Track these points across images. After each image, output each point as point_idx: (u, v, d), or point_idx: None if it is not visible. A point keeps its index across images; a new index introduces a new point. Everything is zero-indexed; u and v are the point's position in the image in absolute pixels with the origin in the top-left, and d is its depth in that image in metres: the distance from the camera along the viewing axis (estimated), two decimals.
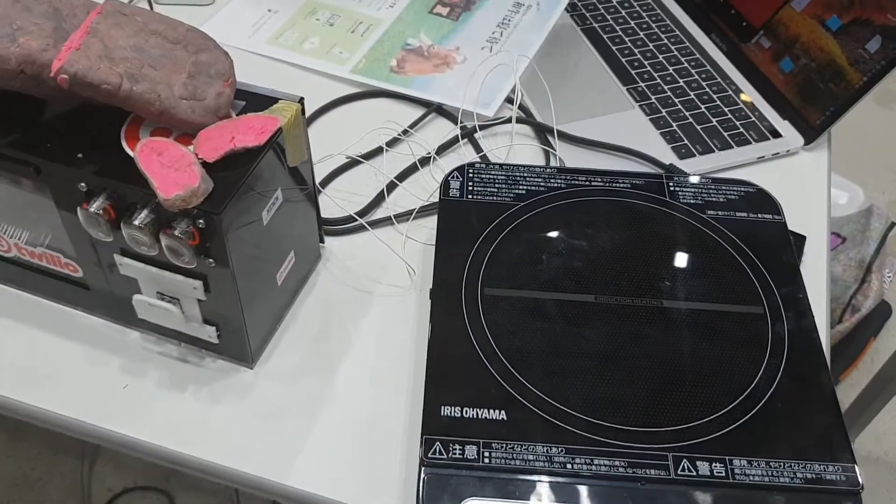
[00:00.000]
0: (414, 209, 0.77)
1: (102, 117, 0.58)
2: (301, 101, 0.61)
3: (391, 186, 0.79)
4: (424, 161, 0.81)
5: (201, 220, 0.54)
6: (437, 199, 0.77)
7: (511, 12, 0.98)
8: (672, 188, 0.71)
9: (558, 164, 0.81)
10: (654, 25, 0.98)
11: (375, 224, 0.76)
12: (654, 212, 0.69)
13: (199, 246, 0.55)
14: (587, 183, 0.71)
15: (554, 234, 0.66)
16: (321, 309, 0.70)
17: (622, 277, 0.64)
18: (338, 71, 0.89)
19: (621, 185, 0.71)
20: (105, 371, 0.65)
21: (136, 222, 0.55)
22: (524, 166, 0.72)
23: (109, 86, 0.53)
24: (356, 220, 0.75)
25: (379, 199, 0.78)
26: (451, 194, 0.69)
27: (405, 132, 0.85)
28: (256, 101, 0.60)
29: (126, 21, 0.56)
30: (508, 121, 0.85)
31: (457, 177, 0.71)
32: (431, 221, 0.77)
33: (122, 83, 0.53)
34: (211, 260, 0.56)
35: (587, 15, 0.99)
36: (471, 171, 0.71)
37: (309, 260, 0.71)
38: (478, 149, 0.83)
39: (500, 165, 0.72)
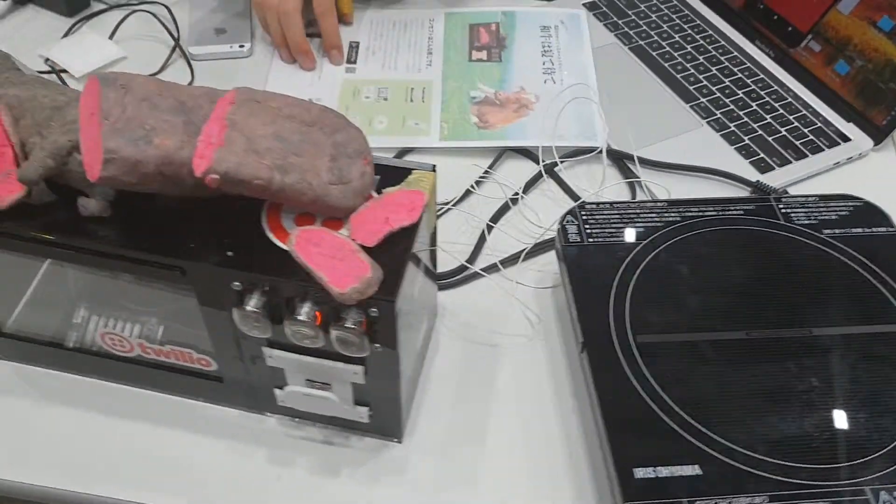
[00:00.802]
0: (515, 253, 0.75)
1: (237, 208, 0.55)
2: (434, 168, 0.58)
3: (482, 231, 0.77)
4: (503, 203, 0.80)
5: (374, 309, 0.52)
6: (538, 240, 0.76)
7: (544, 38, 0.97)
8: (783, 210, 0.70)
9: (646, 192, 0.81)
10: (698, 37, 0.98)
11: (479, 274, 0.74)
12: (775, 237, 0.68)
13: (366, 332, 0.53)
14: (700, 213, 0.70)
15: (686, 270, 0.66)
16: (451, 369, 0.68)
17: (764, 309, 0.63)
18: (428, 143, 0.85)
19: (734, 212, 0.70)
20: (252, 463, 0.62)
21: (301, 317, 0.52)
22: (635, 203, 0.71)
23: (261, 181, 0.50)
24: (467, 268, 0.73)
25: (479, 245, 0.76)
26: (570, 239, 0.68)
27: (486, 173, 0.83)
28: (390, 173, 0.58)
29: (260, 109, 0.53)
30: (588, 152, 0.84)
31: (571, 220, 0.69)
32: (535, 264, 0.75)
33: (273, 176, 0.51)
34: (378, 345, 0.54)
35: (631, 33, 0.98)
36: (583, 212, 0.70)
37: (431, 319, 0.69)
38: (560, 183, 0.82)
39: (611, 204, 0.71)
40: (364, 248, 0.52)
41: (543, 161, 0.83)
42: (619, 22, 1.00)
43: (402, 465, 0.62)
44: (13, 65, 0.59)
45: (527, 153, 0.85)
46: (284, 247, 0.53)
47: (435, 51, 0.96)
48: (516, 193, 0.81)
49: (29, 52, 0.93)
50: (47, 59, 0.91)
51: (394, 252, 0.53)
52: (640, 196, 0.81)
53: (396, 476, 0.62)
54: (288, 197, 0.52)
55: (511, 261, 0.75)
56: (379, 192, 0.56)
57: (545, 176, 0.83)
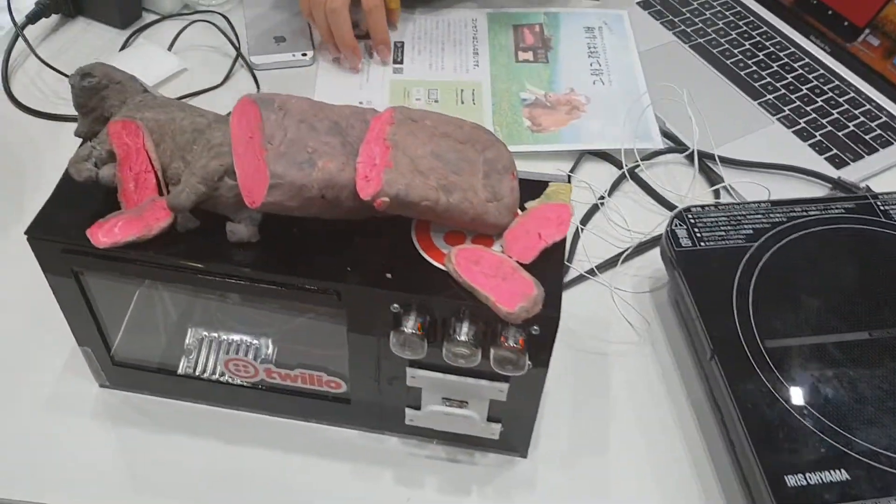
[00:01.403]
0: (611, 258, 0.75)
1: (385, 227, 0.54)
2: (569, 179, 0.58)
3: (572, 237, 0.77)
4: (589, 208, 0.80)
5: (536, 327, 0.51)
6: (632, 244, 0.76)
7: (589, 39, 0.98)
8: (882, 208, 0.72)
9: (731, 193, 0.81)
10: (754, 34, 0.99)
11: (577, 279, 0.74)
12: (880, 235, 0.69)
13: (525, 351, 0.53)
14: (804, 213, 0.71)
15: (800, 272, 0.66)
16: (563, 378, 0.68)
17: (881, 308, 0.64)
18: None
19: (835, 212, 0.71)
20: (381, 486, 0.61)
21: (462, 337, 0.52)
22: (739, 205, 0.71)
23: (429, 202, 0.50)
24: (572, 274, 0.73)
25: (572, 250, 0.76)
26: (682, 244, 0.68)
27: (569, 179, 0.83)
28: (528, 186, 0.57)
29: (418, 128, 0.52)
30: (667, 152, 0.85)
31: (679, 224, 0.70)
32: (629, 268, 0.76)
33: (440, 197, 0.50)
34: (530, 362, 0.54)
35: (689, 31, 0.99)
36: (690, 216, 0.70)
37: None
38: (643, 186, 0.82)
39: (716, 206, 0.71)
40: (520, 264, 0.52)
41: (626, 165, 0.83)
42: (676, 20, 1.00)
43: (531, 480, 0.62)
44: (142, 87, 0.57)
45: (606, 156, 0.85)
46: (442, 267, 0.52)
47: (481, 51, 0.96)
48: (602, 197, 0.81)
49: None
50: None
51: (548, 267, 0.53)
52: (723, 196, 0.82)
53: (527, 492, 0.62)
54: (451, 217, 0.51)
55: (608, 265, 0.75)
56: (522, 207, 0.56)
57: (628, 179, 0.83)
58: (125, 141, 0.53)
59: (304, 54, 0.92)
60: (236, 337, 0.63)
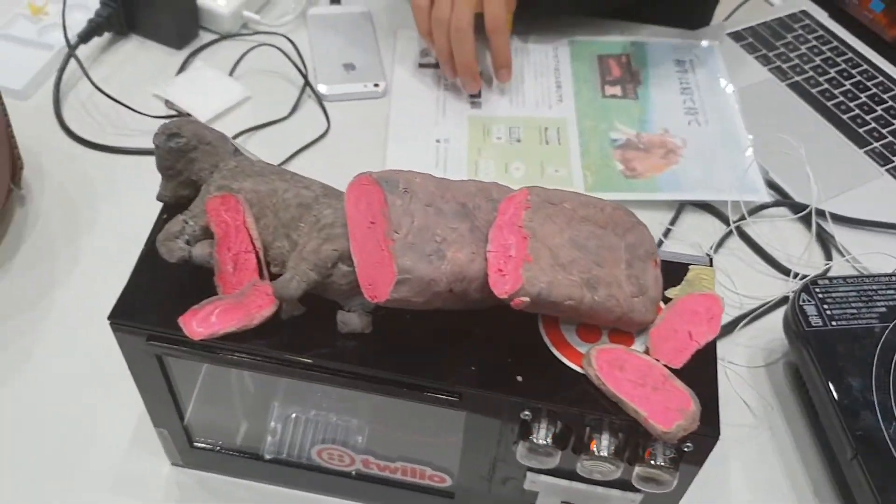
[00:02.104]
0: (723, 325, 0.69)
1: (508, 318, 0.48)
2: (711, 262, 0.52)
3: None
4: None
5: (689, 444, 0.45)
6: (742, 311, 0.70)
7: (680, 73, 0.91)
8: None
9: (843, 253, 0.75)
10: (854, 72, 0.92)
11: None
12: None
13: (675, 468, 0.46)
14: None
15: None
16: None
17: None
18: None
19: None
20: None
21: (603, 453, 0.46)
22: (869, 277, 0.65)
23: (573, 301, 0.44)
24: None
25: None
26: (812, 322, 0.62)
27: (667, 233, 0.76)
28: (665, 268, 0.51)
29: (556, 212, 0.46)
30: (773, 205, 0.78)
31: (807, 299, 0.63)
32: (741, 337, 0.70)
33: (584, 295, 0.44)
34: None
35: (785, 68, 0.92)
36: (818, 290, 0.64)
37: None
38: (749, 243, 0.76)
39: (845, 279, 0.65)
40: (670, 369, 0.46)
41: (733, 220, 0.77)
42: (770, 55, 0.93)
43: None
44: (233, 147, 0.51)
45: (707, 207, 0.79)
46: (578, 368, 0.46)
47: (564, 84, 0.89)
48: (708, 255, 0.75)
49: (141, 91, 0.84)
50: (167, 101, 0.83)
51: (699, 373, 0.47)
52: (835, 256, 0.75)
53: None
54: (595, 316, 0.45)
55: (721, 334, 0.69)
56: (664, 297, 0.49)
57: (735, 234, 0.77)
58: (224, 218, 0.46)
59: (377, 85, 0.86)
60: (330, 418, 0.57)
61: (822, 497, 0.61)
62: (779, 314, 0.71)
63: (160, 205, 0.74)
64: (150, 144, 0.79)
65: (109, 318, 0.47)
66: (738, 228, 0.77)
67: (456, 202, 0.46)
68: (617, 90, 0.89)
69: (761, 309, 0.70)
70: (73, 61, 0.84)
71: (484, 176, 0.80)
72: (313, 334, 0.47)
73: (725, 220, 0.77)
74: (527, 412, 0.46)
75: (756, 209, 0.78)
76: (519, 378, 0.46)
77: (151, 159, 0.78)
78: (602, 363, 0.45)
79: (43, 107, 0.83)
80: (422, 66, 0.90)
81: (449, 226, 0.44)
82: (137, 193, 0.76)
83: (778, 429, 0.64)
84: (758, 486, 0.61)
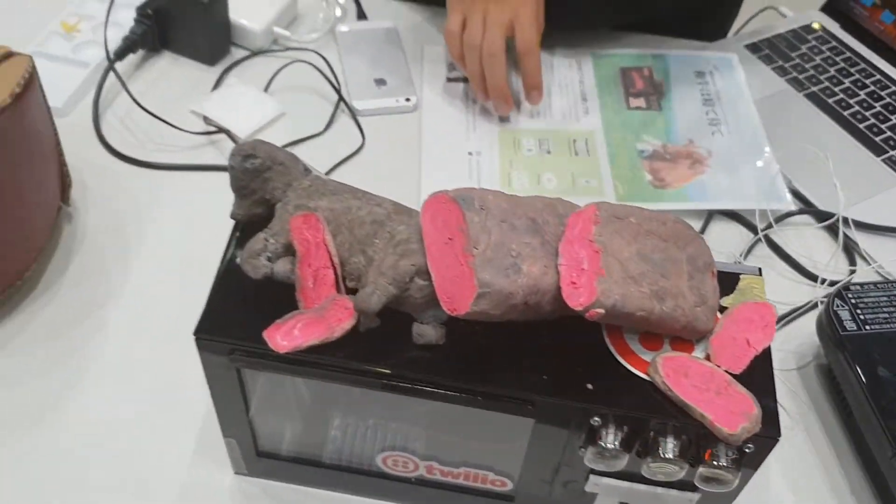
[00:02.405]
0: None
1: (572, 327, 0.50)
2: (760, 272, 0.55)
3: None
4: None
5: (750, 445, 0.48)
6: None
7: (701, 85, 0.94)
8: None
9: (867, 258, 0.78)
10: (867, 82, 0.95)
11: None
12: None
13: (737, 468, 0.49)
14: None
15: None
16: None
17: None
18: None
19: None
20: None
21: (669, 455, 0.48)
22: None
23: (644, 312, 0.46)
24: None
25: None
26: (847, 327, 0.64)
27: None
28: (717, 278, 0.53)
29: (623, 226, 0.48)
30: (798, 213, 0.81)
31: (841, 305, 0.66)
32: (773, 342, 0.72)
33: (654, 306, 0.46)
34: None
35: (801, 78, 0.95)
36: (851, 295, 0.66)
37: None
38: (776, 250, 0.79)
39: (876, 285, 0.67)
40: (731, 374, 0.48)
41: (760, 228, 0.79)
42: (786, 66, 0.96)
43: None
44: (303, 166, 0.53)
45: (734, 216, 0.81)
46: (643, 375, 0.49)
47: (589, 97, 0.92)
48: (738, 262, 0.77)
49: (178, 108, 0.86)
50: (206, 118, 0.85)
51: (757, 377, 0.49)
52: (859, 262, 0.78)
53: None
54: (663, 325, 0.47)
55: None
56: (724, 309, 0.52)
57: (763, 242, 0.79)
58: (306, 236, 0.48)
59: (408, 99, 0.88)
60: (390, 425, 0.58)
61: (860, 496, 0.63)
62: (807, 319, 0.74)
63: (205, 219, 0.76)
64: (190, 160, 0.82)
65: (195, 333, 0.48)
66: (766, 236, 0.79)
67: (526, 217, 0.48)
68: (641, 102, 0.91)
69: (793, 315, 0.73)
70: (108, 78, 0.86)
71: (518, 187, 0.82)
72: (390, 346, 0.49)
73: (753, 229, 0.80)
74: (596, 418, 0.48)
75: (782, 217, 0.81)
76: (589, 386, 0.48)
77: (193, 175, 0.81)
78: (668, 370, 0.48)
79: (82, 123, 0.84)
80: (450, 80, 0.92)
81: (522, 241, 0.47)
82: (181, 209, 0.78)
83: (813, 430, 0.67)
84: (797, 487, 0.64)
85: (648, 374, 0.48)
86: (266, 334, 0.48)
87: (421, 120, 0.88)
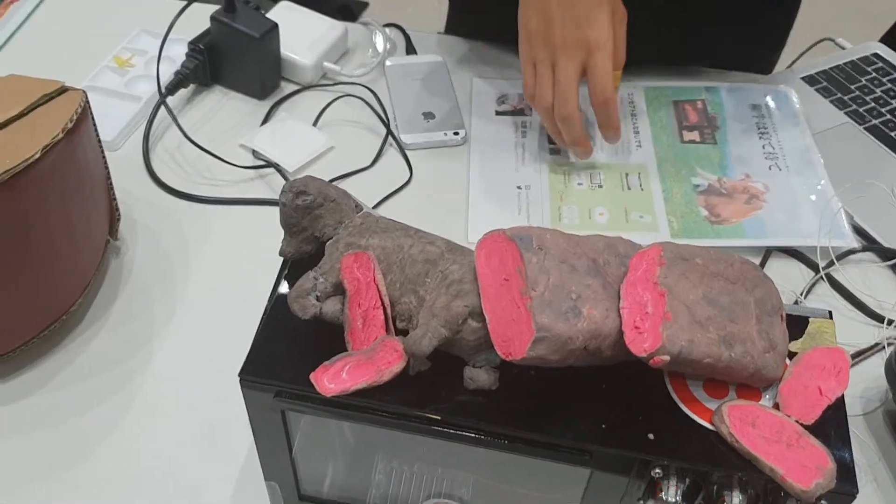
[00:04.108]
0: None
1: (631, 371, 0.48)
2: (830, 315, 0.52)
3: None
4: None
5: (824, 502, 0.45)
6: None
7: (757, 118, 0.91)
8: None
9: None
10: None
11: None
12: None
13: None
14: None
15: None
16: None
17: None
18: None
19: None
20: None
21: None
22: None
23: (711, 359, 0.44)
24: None
25: None
26: None
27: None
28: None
29: (689, 268, 0.46)
30: (860, 251, 0.78)
31: None
32: None
33: (722, 352, 0.44)
34: None
35: (862, 111, 0.92)
36: None
37: None
38: (839, 289, 0.75)
39: None
40: (802, 425, 0.46)
41: (822, 266, 0.76)
42: (846, 98, 0.93)
43: None
44: (354, 202, 0.52)
45: (794, 253, 0.78)
46: (707, 425, 0.46)
47: (641, 129, 0.90)
48: (796, 301, 0.74)
49: (227, 142, 0.86)
50: (255, 152, 0.84)
51: (830, 428, 0.46)
52: None
53: None
54: (730, 373, 0.45)
55: None
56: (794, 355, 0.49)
57: (824, 281, 0.76)
58: (357, 275, 0.47)
59: (456, 133, 0.87)
60: (436, 470, 0.56)
61: None
62: (873, 361, 0.71)
63: (253, 255, 0.75)
64: (239, 194, 0.82)
65: (240, 374, 0.47)
66: (827, 275, 0.76)
67: (587, 258, 0.46)
68: (695, 135, 0.89)
69: (859, 358, 0.70)
70: (159, 112, 0.86)
71: (567, 222, 0.80)
72: (440, 390, 0.47)
73: (813, 267, 0.77)
74: (658, 469, 0.46)
75: (844, 254, 0.77)
76: (650, 436, 0.46)
77: (242, 209, 0.81)
78: (734, 419, 0.45)
79: (132, 157, 0.84)
80: (499, 113, 0.91)
81: (582, 282, 0.45)
82: (229, 244, 0.77)
83: (884, 480, 0.63)
84: None
85: (713, 424, 0.46)
86: (313, 377, 0.46)
87: (469, 153, 0.86)
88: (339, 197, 0.51)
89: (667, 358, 0.43)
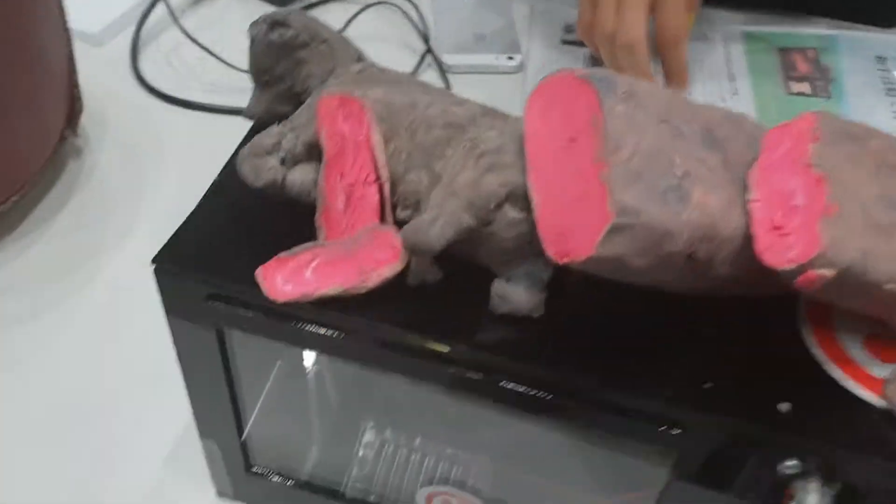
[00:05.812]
0: None
1: (747, 313, 0.31)
2: None
3: None
4: None
5: None
6: None
7: (883, 72, 0.74)
8: None
9: None
10: None
11: None
12: None
13: None
14: None
15: None
16: None
17: None
18: None
19: None
20: None
21: None
22: None
23: (894, 283, 0.27)
24: None
25: None
26: None
27: None
28: None
29: (858, 151, 0.29)
30: None
31: None
32: None
33: None
34: None
35: None
36: None
37: None
38: None
39: None
40: None
41: None
42: None
43: None
44: (356, 52, 0.36)
45: None
46: (876, 400, 0.29)
47: (738, 76, 0.73)
48: None
49: (234, 49, 0.71)
50: None
51: None
52: None
53: None
54: None
55: None
56: None
57: None
58: (341, 129, 0.31)
59: (511, 58, 0.71)
60: (444, 449, 0.40)
61: None
62: None
63: None
64: (239, 103, 0.67)
65: (154, 260, 0.32)
66: None
67: (699, 125, 0.29)
68: (805, 87, 0.72)
69: None
70: (158, 9, 0.72)
71: None
72: (454, 312, 0.31)
73: None
74: (793, 461, 0.29)
75: None
76: (782, 407, 0.29)
77: (237, 119, 0.66)
78: None
79: (118, 55, 0.71)
80: (566, 42, 0.75)
81: (693, 154, 0.28)
82: (217, 156, 0.62)
83: None
84: None
85: (885, 398, 0.29)
86: (262, 273, 0.30)
87: (524, 84, 0.70)
88: (332, 39, 0.36)
89: (829, 272, 0.26)
